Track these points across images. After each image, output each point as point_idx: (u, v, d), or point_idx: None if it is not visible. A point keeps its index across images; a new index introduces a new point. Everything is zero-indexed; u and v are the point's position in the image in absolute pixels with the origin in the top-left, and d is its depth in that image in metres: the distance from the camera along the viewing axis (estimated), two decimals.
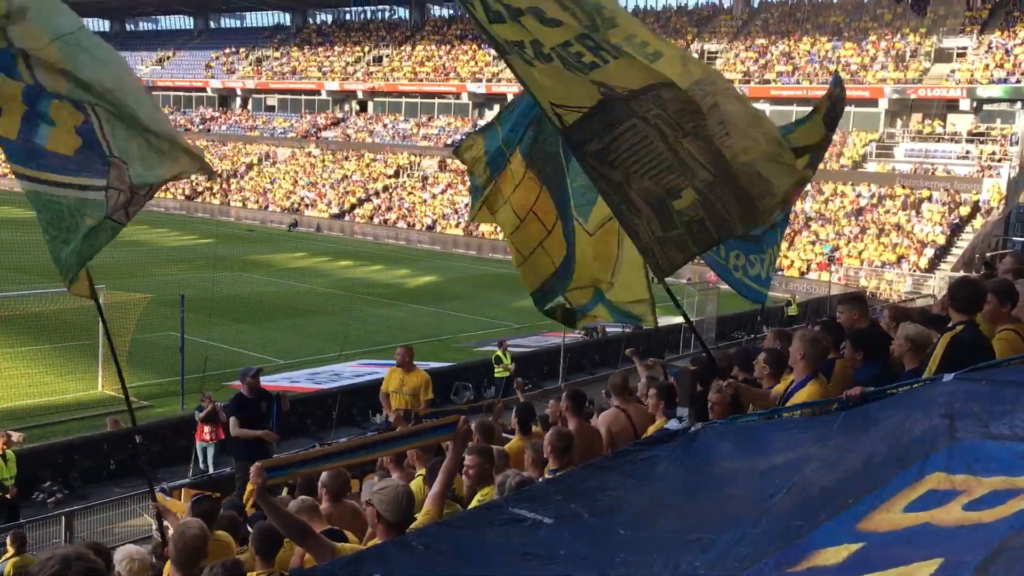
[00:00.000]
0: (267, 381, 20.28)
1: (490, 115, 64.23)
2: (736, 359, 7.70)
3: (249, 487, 8.06)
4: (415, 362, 11.41)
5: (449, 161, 59.75)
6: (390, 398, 11.10)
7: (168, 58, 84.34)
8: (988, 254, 34.01)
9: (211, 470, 14.41)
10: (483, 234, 50.52)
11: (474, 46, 67.76)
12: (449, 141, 61.84)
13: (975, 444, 2.70)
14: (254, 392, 10.84)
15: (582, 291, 7.83)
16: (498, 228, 7.31)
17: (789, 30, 56.71)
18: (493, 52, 67.36)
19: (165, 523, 6.17)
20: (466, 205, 53.78)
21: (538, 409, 9.19)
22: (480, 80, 63.92)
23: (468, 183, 7.66)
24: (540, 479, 5.48)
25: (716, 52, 57.94)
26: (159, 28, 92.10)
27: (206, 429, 14.80)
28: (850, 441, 3.39)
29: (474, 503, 5.39)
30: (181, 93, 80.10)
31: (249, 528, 6.51)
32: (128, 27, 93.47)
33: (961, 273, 28.68)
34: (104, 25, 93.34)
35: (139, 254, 38.03)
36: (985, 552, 1.97)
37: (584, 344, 24.65)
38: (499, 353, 20.03)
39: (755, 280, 8.74)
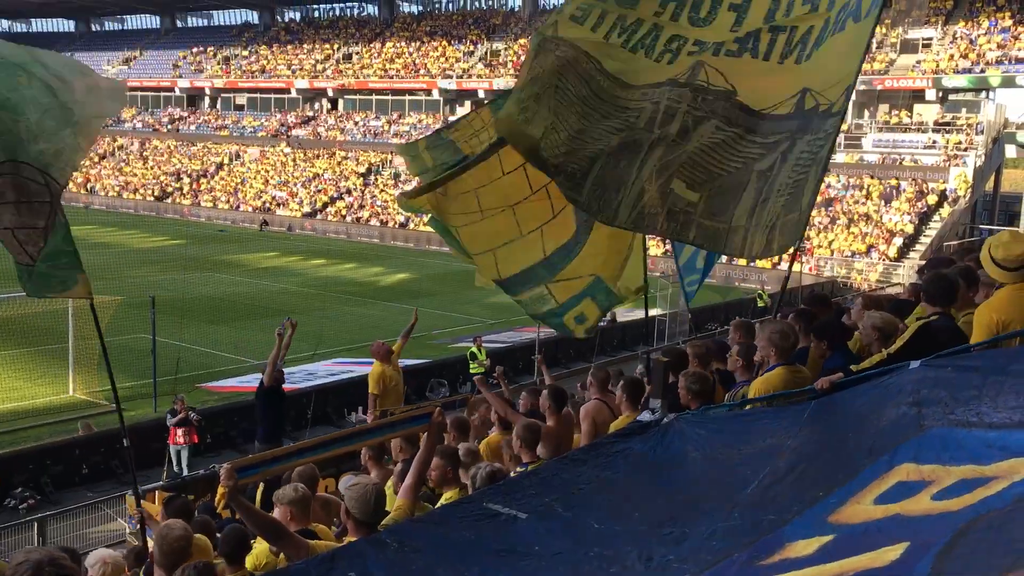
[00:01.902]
0: (239, 382, 20.24)
1: (461, 111, 64.19)
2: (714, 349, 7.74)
3: (220, 490, 8.00)
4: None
5: None
6: (387, 395, 11.35)
7: (135, 58, 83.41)
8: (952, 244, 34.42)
9: (185, 472, 14.30)
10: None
11: (444, 42, 67.58)
12: (421, 138, 61.60)
13: (943, 432, 2.73)
14: (275, 382, 11.31)
15: (573, 282, 7.80)
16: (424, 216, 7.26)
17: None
18: (463, 48, 67.42)
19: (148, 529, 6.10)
20: None
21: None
22: (451, 76, 63.77)
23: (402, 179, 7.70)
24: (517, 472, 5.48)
25: None
26: (125, 28, 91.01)
27: (179, 432, 14.68)
28: (820, 431, 3.42)
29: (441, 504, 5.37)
30: (149, 93, 79.19)
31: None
32: (94, 27, 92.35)
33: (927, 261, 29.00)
34: (70, 25, 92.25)
35: (108, 256, 37.62)
36: (949, 535, 1.99)
37: (559, 339, 24.62)
38: (474, 349, 20.02)
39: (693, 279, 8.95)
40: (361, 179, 59.63)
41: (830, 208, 43.42)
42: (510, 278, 7.48)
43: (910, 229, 40.74)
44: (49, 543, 11.12)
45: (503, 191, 7.00)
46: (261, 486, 7.60)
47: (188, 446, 14.72)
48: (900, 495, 2.45)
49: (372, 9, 77.00)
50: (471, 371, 19.92)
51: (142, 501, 9.87)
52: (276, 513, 5.13)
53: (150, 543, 5.59)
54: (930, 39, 49.49)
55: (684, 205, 5.31)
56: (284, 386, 16.69)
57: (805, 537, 2.41)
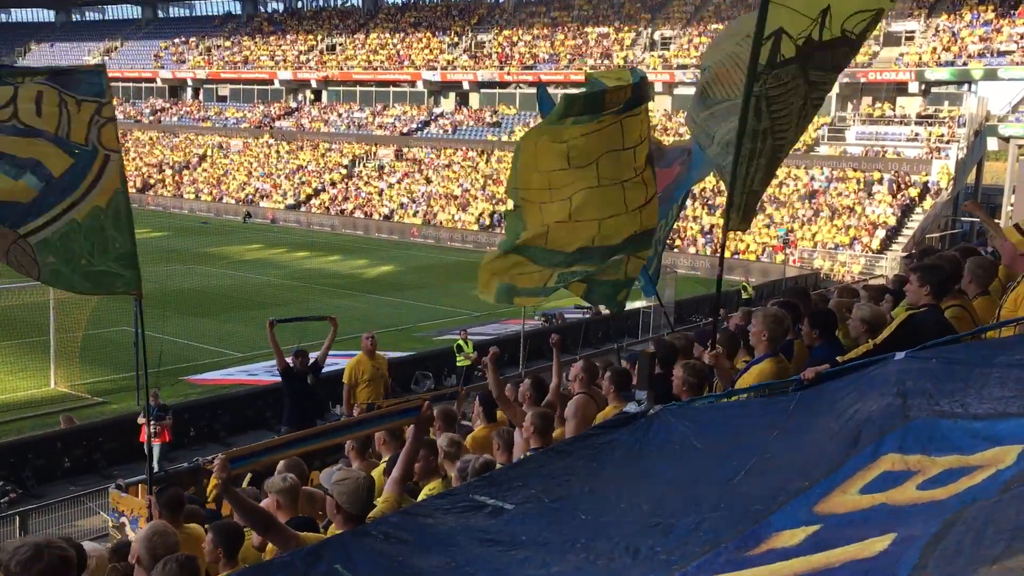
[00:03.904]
0: (222, 375, 20.17)
1: (445, 103, 64.13)
2: (698, 340, 7.74)
3: (212, 481, 7.98)
4: None
5: (405, 150, 59.46)
6: (359, 388, 11.28)
7: (116, 48, 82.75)
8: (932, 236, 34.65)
9: (156, 470, 14.08)
10: (441, 223, 50.37)
11: (428, 34, 67.36)
12: (405, 130, 61.51)
13: (928, 423, 2.73)
14: (289, 366, 11.46)
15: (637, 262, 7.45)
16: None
17: (742, 15, 57.08)
18: (448, 39, 67.19)
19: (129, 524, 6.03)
20: (422, 193, 53.59)
21: None
22: (435, 68, 63.59)
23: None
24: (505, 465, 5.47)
25: (670, 38, 58.24)
26: (106, 18, 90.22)
27: (151, 430, 14.37)
28: (805, 422, 3.42)
29: (422, 496, 5.36)
30: (130, 84, 78.64)
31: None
32: (74, 17, 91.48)
33: (912, 252, 29.18)
34: (49, 15, 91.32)
35: None
36: (936, 526, 2.00)
37: (544, 330, 24.68)
38: (460, 342, 20.00)
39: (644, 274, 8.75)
40: (345, 171, 59.43)
41: (813, 200, 43.61)
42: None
43: (892, 221, 40.98)
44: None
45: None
46: (248, 476, 7.57)
47: (159, 444, 14.47)
48: (886, 485, 2.46)
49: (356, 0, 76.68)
50: (457, 363, 19.92)
51: (124, 495, 9.85)
52: (264, 503, 5.10)
53: (130, 534, 5.54)
54: (913, 32, 49.72)
55: None
56: (262, 379, 16.78)
57: (792, 527, 2.41)
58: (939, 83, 47.55)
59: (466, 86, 62.76)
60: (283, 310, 28.11)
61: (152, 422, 14.31)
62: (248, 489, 6.82)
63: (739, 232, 5.89)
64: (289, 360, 11.41)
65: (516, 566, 2.72)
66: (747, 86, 5.28)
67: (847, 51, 5.27)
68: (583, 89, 6.40)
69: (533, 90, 59.76)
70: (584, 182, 6.30)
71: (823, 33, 5.06)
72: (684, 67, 53.58)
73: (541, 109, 7.19)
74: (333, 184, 58.08)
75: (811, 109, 5.47)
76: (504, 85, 61.54)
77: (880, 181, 43.52)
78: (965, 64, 45.61)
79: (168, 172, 64.99)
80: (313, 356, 11.58)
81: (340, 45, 70.87)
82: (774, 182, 45.36)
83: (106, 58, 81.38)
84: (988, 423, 2.59)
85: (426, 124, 61.90)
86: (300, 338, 11.41)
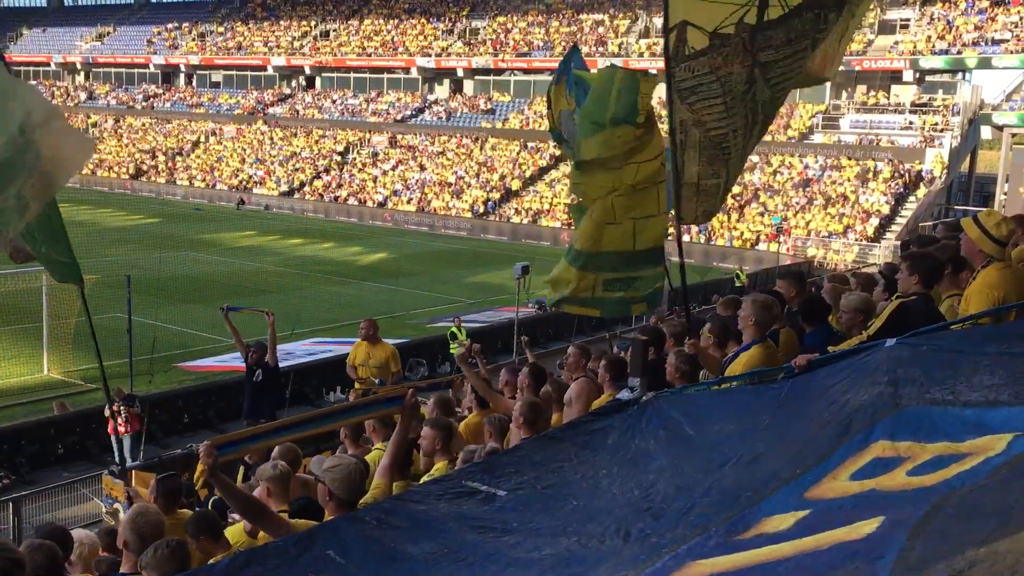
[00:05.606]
0: (216, 362, 20.15)
1: (439, 90, 63.92)
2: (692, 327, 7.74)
3: (199, 467, 7.98)
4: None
5: (400, 137, 59.29)
6: (357, 371, 11.44)
7: (108, 33, 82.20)
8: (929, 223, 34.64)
9: (129, 462, 13.99)
10: (435, 210, 50.31)
11: (422, 20, 67.08)
12: (399, 117, 61.32)
13: (919, 411, 2.75)
14: (248, 359, 11.66)
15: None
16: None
17: None
18: (442, 26, 66.90)
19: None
20: (416, 180, 53.52)
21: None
22: (429, 55, 63.35)
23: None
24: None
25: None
26: (98, 3, 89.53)
27: (118, 421, 14.24)
28: (797, 410, 3.44)
29: (426, 479, 5.38)
30: (123, 69, 78.21)
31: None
32: (66, 1, 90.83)
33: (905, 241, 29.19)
34: (41, 0, 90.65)
35: (84, 234, 37.12)
36: (924, 509, 2.01)
37: (537, 319, 24.70)
38: (454, 329, 20.00)
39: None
40: (339, 158, 59.26)
41: (808, 189, 43.63)
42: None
43: (886, 210, 41.03)
44: (25, 523, 11.06)
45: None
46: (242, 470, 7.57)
47: (129, 435, 14.34)
48: (876, 471, 2.47)
49: None
50: (451, 351, 19.91)
51: (117, 481, 9.83)
52: (256, 492, 5.11)
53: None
54: (908, 20, 49.66)
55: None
56: None
57: (782, 512, 2.43)
58: (933, 71, 47.54)
59: (460, 73, 62.55)
60: (276, 297, 28.07)
61: (121, 412, 14.14)
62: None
63: (696, 224, 6.03)
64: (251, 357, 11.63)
65: (508, 551, 2.74)
66: (667, 79, 5.38)
67: (799, 21, 5.09)
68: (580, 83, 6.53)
69: (527, 77, 59.68)
70: (616, 183, 6.36)
71: (766, 13, 5.00)
72: None
73: (565, 71, 7.14)
74: (327, 171, 57.94)
75: (775, 90, 5.34)
76: (499, 72, 61.35)
77: (874, 171, 43.53)
78: (960, 53, 45.59)
79: (161, 158, 64.73)
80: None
81: (334, 31, 70.54)
82: (768, 169, 45.42)
83: (99, 43, 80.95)
84: (978, 411, 2.60)
85: (420, 111, 61.70)
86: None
